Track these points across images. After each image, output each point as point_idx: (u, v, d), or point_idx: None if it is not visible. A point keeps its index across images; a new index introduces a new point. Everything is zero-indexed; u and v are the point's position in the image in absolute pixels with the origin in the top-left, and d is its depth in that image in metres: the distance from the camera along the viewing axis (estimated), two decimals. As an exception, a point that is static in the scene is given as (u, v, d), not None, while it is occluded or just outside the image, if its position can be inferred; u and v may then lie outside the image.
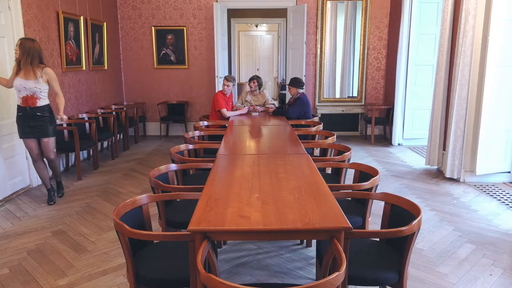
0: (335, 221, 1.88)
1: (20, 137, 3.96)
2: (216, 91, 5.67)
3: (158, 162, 5.71)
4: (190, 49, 7.61)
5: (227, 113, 5.41)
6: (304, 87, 5.68)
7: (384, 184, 4.66)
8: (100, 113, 6.14)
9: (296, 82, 5.38)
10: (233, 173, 2.68)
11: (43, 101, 3.92)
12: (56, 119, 4.13)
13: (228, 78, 5.52)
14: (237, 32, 11.34)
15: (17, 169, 4.47)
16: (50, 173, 4.45)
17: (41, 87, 3.87)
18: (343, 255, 1.62)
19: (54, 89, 4.01)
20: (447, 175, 4.88)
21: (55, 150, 4.11)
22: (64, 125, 5.20)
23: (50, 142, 4.00)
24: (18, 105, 3.87)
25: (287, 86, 6.00)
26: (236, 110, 5.68)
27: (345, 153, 3.27)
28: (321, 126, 4.78)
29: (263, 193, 2.25)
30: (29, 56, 3.70)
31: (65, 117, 4.09)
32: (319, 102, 7.76)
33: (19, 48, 3.70)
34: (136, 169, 5.49)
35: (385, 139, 7.34)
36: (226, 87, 5.47)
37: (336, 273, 1.43)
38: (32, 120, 3.86)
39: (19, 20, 4.41)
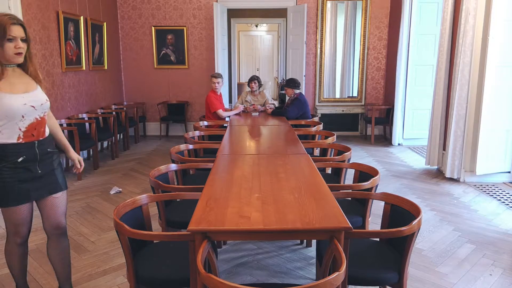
0: (335, 221, 1.88)
1: (10, 205, 2.09)
2: (218, 91, 5.65)
3: (158, 162, 5.71)
4: (190, 49, 7.61)
5: (223, 113, 5.42)
6: (300, 87, 5.68)
7: (384, 184, 4.66)
8: (100, 113, 6.14)
9: (291, 83, 5.38)
10: (233, 173, 2.68)
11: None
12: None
13: (216, 75, 5.53)
14: (237, 32, 11.34)
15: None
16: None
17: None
18: (343, 255, 1.62)
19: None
20: (447, 175, 4.88)
21: None
22: (64, 125, 5.21)
23: (63, 199, 2.30)
24: (9, 145, 2.02)
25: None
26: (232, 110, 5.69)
27: (345, 153, 3.27)
28: (321, 126, 4.78)
29: (263, 193, 2.25)
30: (28, 48, 2.08)
31: (80, 158, 2.52)
32: (319, 102, 7.76)
33: (23, 38, 2.01)
34: (136, 169, 5.49)
35: (385, 139, 7.34)
36: (217, 84, 5.48)
37: (336, 273, 1.43)
38: (40, 166, 2.15)
39: (19, 20, 4.40)
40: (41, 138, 2.14)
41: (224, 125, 5.18)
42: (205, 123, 5.16)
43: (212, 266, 1.88)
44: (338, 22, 7.67)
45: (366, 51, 7.57)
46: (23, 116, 2.03)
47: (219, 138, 4.05)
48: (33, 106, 2.06)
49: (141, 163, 5.82)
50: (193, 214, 1.94)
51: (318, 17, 7.47)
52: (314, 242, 3.16)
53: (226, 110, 5.70)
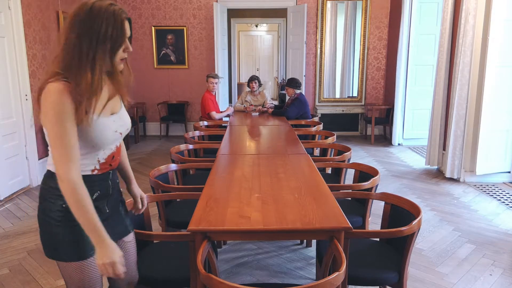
0: (335, 221, 1.88)
1: (84, 257, 1.49)
2: (214, 92, 5.66)
3: (158, 162, 5.71)
4: (190, 49, 7.61)
5: (216, 115, 5.43)
6: (301, 87, 5.68)
7: (384, 184, 4.66)
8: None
9: (292, 83, 5.39)
10: (233, 173, 2.68)
11: None
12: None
13: (215, 76, 5.55)
14: (237, 32, 11.34)
15: (17, 169, 4.47)
16: None
17: None
18: (343, 255, 1.62)
19: None
20: (447, 175, 4.88)
21: None
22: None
23: (134, 243, 1.78)
24: (81, 177, 1.41)
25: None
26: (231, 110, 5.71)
27: (345, 153, 3.27)
28: (321, 126, 4.78)
29: (263, 193, 2.25)
30: None
31: (144, 195, 1.87)
32: (319, 102, 7.76)
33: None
34: (136, 169, 5.49)
35: (385, 139, 7.34)
36: (215, 85, 5.50)
37: (336, 273, 1.43)
38: (109, 202, 1.61)
39: (19, 20, 4.41)
40: (115, 168, 1.62)
41: (224, 125, 5.18)
42: (205, 123, 5.16)
43: (212, 266, 1.88)
44: (338, 22, 7.67)
45: (366, 51, 7.57)
46: (113, 142, 1.53)
47: (219, 138, 4.05)
48: (121, 134, 1.55)
49: (141, 163, 5.82)
50: (193, 214, 1.94)
51: (318, 17, 7.46)
52: (314, 242, 3.16)
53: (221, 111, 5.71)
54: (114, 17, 1.34)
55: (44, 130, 1.40)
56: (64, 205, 1.41)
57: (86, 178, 1.42)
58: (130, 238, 1.71)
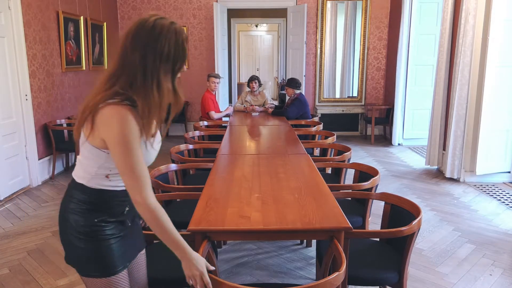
0: (335, 221, 1.88)
1: (116, 271, 1.45)
2: (215, 92, 5.66)
3: (158, 162, 5.69)
4: (190, 49, 7.61)
5: (215, 115, 5.43)
6: (301, 87, 5.68)
7: (384, 184, 4.66)
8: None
9: (292, 83, 5.39)
10: (233, 173, 2.68)
11: None
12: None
13: (216, 76, 5.56)
14: (237, 32, 11.34)
15: (17, 169, 4.47)
16: None
17: None
18: (343, 255, 1.62)
19: None
20: (447, 175, 4.88)
21: None
22: (64, 125, 5.21)
23: (145, 255, 1.73)
24: (117, 193, 1.45)
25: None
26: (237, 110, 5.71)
27: (345, 153, 3.27)
28: (321, 126, 4.78)
29: (263, 193, 2.25)
30: None
31: None
32: (319, 102, 7.76)
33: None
34: (136, 169, 5.49)
35: (385, 139, 7.33)
36: (217, 84, 5.52)
37: (336, 273, 1.43)
38: (132, 214, 1.54)
39: (19, 20, 4.41)
40: None
41: (224, 125, 5.18)
42: (205, 123, 5.16)
43: (212, 266, 1.88)
44: (338, 22, 7.67)
45: (366, 51, 7.57)
46: (150, 163, 1.50)
47: (219, 138, 4.05)
48: (156, 151, 1.55)
49: (141, 163, 5.81)
50: (193, 214, 1.94)
51: (318, 17, 7.46)
52: (314, 242, 3.16)
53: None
54: (176, 36, 1.31)
55: (94, 147, 1.35)
56: (96, 220, 1.39)
57: (120, 193, 1.43)
58: (144, 250, 1.70)
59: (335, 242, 1.75)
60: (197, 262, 1.40)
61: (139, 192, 1.31)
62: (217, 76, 5.56)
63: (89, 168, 1.39)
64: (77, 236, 1.40)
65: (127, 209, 1.49)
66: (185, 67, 1.40)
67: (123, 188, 1.42)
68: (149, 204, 1.32)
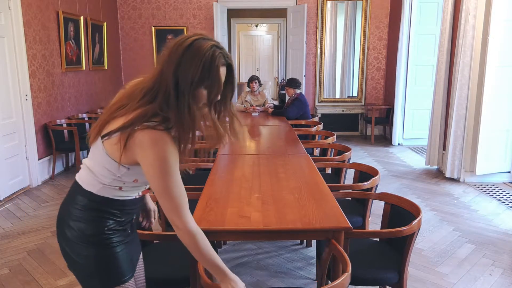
0: (335, 221, 1.88)
1: (126, 279, 1.44)
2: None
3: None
4: (190, 49, 7.59)
5: None
6: (301, 87, 5.68)
7: (384, 184, 4.66)
8: (100, 113, 6.14)
9: (293, 83, 5.39)
10: (233, 173, 2.68)
11: None
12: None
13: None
14: (237, 32, 11.34)
15: (17, 169, 4.47)
16: None
17: None
18: (346, 256, 1.62)
19: None
20: (447, 175, 4.88)
21: None
22: (64, 125, 5.21)
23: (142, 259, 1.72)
24: (127, 201, 1.43)
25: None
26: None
27: (345, 153, 3.27)
28: (321, 126, 4.78)
29: (263, 193, 2.25)
30: None
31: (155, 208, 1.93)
32: (319, 102, 7.76)
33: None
34: (136, 169, 5.49)
35: (385, 139, 7.33)
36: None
37: (346, 274, 1.43)
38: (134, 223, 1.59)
39: (19, 20, 4.41)
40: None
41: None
42: (205, 123, 5.15)
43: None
44: (338, 22, 7.67)
45: (366, 51, 7.57)
46: None
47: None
48: None
49: (141, 163, 5.81)
50: (193, 214, 1.93)
51: (318, 17, 7.46)
52: (314, 242, 3.15)
53: None
54: (211, 61, 1.22)
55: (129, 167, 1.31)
56: (106, 228, 1.36)
57: (129, 202, 1.42)
58: (141, 254, 1.67)
59: (333, 243, 1.75)
60: (236, 284, 1.36)
61: (178, 217, 1.28)
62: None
63: (102, 178, 1.34)
64: (83, 245, 1.36)
65: (134, 217, 1.49)
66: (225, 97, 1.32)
67: (133, 197, 1.42)
68: (190, 228, 1.29)
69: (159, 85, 1.25)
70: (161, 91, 1.24)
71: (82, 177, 1.39)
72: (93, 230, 1.35)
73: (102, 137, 1.30)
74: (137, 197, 1.46)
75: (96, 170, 1.34)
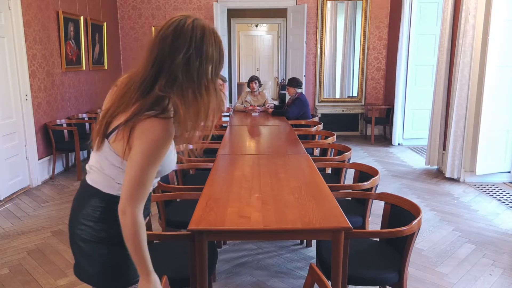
0: (335, 221, 1.88)
1: (137, 280, 1.41)
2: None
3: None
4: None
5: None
6: (302, 87, 5.69)
7: (384, 184, 4.66)
8: (100, 113, 6.13)
9: (294, 82, 5.39)
10: (233, 173, 2.68)
11: None
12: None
13: (221, 78, 5.53)
14: (237, 32, 11.33)
15: (17, 169, 4.47)
16: None
17: None
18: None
19: None
20: (447, 175, 4.88)
21: None
22: (64, 125, 5.21)
23: None
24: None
25: (285, 87, 6.02)
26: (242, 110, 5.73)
27: (345, 153, 3.27)
28: (321, 126, 4.78)
29: (263, 193, 2.25)
30: None
31: None
32: (319, 102, 7.76)
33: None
34: (136, 169, 5.48)
35: (385, 139, 7.33)
36: (220, 86, 5.49)
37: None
38: None
39: (19, 20, 4.41)
40: None
41: (224, 125, 5.18)
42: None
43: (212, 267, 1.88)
44: (338, 22, 7.67)
45: (366, 51, 7.57)
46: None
47: (219, 138, 4.05)
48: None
49: (141, 163, 5.81)
50: (193, 214, 1.94)
51: (318, 17, 7.46)
52: (314, 242, 3.15)
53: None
54: (215, 38, 1.28)
55: (117, 157, 1.30)
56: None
57: (147, 201, 1.41)
58: None
59: (312, 266, 1.73)
60: (155, 285, 1.35)
61: (134, 204, 1.25)
62: (223, 79, 5.49)
63: (117, 178, 1.34)
64: (105, 245, 1.37)
65: (147, 218, 1.49)
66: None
67: (148, 196, 1.41)
68: (137, 219, 1.25)
69: (159, 72, 1.25)
70: (163, 78, 1.24)
71: (97, 180, 1.38)
72: (117, 230, 1.33)
73: (107, 137, 1.30)
74: (150, 192, 1.43)
75: (108, 172, 1.34)
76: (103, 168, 1.35)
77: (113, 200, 1.35)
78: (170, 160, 1.40)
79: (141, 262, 1.31)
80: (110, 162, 1.33)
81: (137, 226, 1.26)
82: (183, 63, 1.22)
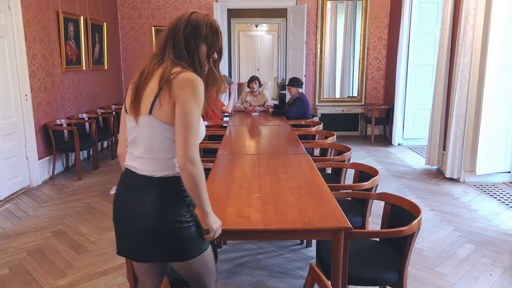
0: (335, 221, 1.88)
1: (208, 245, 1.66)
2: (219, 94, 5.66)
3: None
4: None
5: (228, 108, 5.48)
6: (303, 87, 5.69)
7: (384, 184, 4.66)
8: (100, 113, 6.14)
9: (295, 82, 5.39)
10: (233, 173, 2.68)
11: None
12: None
13: (230, 82, 5.54)
14: (237, 32, 11.34)
15: (17, 169, 4.47)
16: None
17: None
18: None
19: None
20: (447, 175, 4.88)
21: None
22: (64, 125, 5.21)
23: None
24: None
25: (286, 86, 6.02)
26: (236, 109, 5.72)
27: (345, 153, 3.27)
28: (321, 126, 4.78)
29: (263, 193, 2.25)
30: None
31: None
32: (319, 102, 7.76)
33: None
34: (136, 169, 5.48)
35: (385, 139, 7.34)
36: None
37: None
38: None
39: (19, 20, 4.41)
40: None
41: (224, 125, 5.18)
42: (205, 123, 5.16)
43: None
44: (338, 22, 7.67)
45: (366, 51, 7.57)
46: None
47: (219, 138, 4.05)
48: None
49: (141, 163, 5.81)
50: (193, 214, 1.93)
51: (318, 17, 7.46)
52: (314, 242, 3.15)
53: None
54: (211, 24, 1.58)
55: (158, 121, 1.44)
56: (191, 205, 1.54)
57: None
58: None
59: (312, 266, 1.73)
60: (216, 218, 1.57)
61: (194, 150, 1.39)
62: (229, 82, 5.46)
63: (169, 161, 1.48)
64: (183, 226, 1.49)
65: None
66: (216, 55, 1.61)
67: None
68: (199, 162, 1.41)
69: (169, 47, 1.50)
70: (170, 51, 1.50)
71: (147, 167, 1.48)
72: (187, 208, 1.51)
73: (151, 112, 1.43)
74: None
75: (161, 156, 1.47)
76: (151, 150, 1.47)
77: (174, 181, 1.49)
78: (202, 124, 1.53)
79: (205, 201, 1.48)
80: (160, 135, 1.45)
81: (201, 167, 1.42)
82: (183, 39, 1.49)
